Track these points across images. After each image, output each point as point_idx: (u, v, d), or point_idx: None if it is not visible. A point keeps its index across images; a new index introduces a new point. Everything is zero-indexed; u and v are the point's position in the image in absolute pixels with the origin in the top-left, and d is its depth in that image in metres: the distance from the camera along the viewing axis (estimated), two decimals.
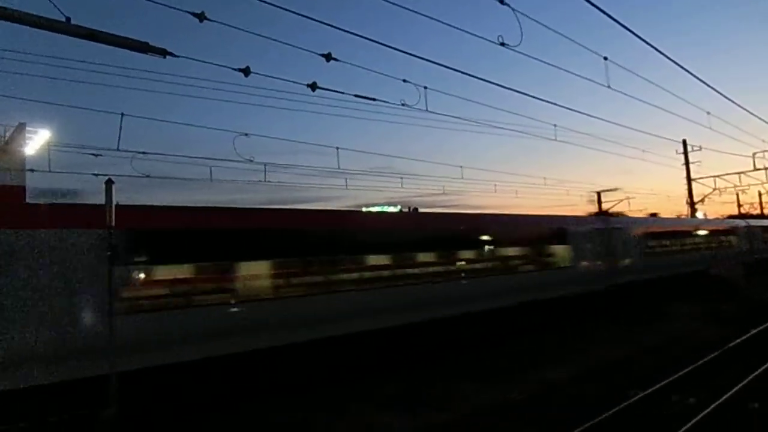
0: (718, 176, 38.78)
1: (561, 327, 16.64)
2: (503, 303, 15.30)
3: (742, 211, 47.77)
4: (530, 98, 15.53)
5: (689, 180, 39.39)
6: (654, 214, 29.64)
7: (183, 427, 9.06)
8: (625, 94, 16.10)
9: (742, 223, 34.48)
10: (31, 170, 21.78)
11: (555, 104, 13.24)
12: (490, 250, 16.56)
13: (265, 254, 11.44)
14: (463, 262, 15.62)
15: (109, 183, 8.05)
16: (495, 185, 31.14)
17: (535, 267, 17.78)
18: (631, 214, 28.00)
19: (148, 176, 16.05)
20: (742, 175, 37.96)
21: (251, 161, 15.56)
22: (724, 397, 9.39)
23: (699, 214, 37.86)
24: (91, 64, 25.59)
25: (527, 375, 11.76)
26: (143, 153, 15.43)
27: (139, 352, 8.97)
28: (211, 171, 19.06)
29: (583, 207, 32.21)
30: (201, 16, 8.39)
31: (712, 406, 8.97)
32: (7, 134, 26.31)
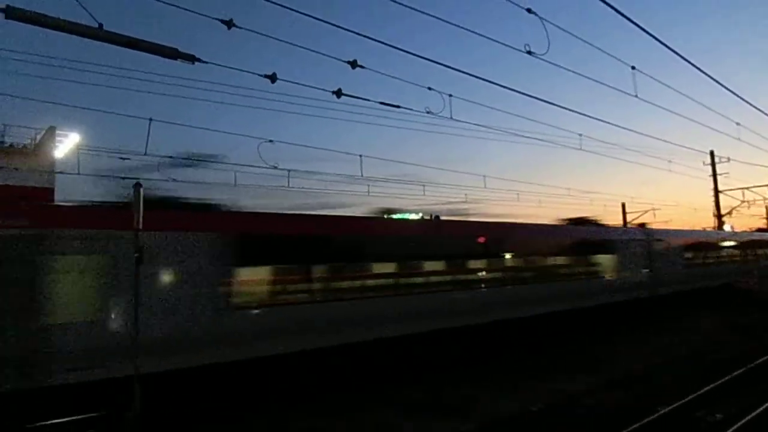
0: (746, 188, 38.05)
1: (601, 333, 17.38)
2: (554, 308, 16.36)
3: None
4: (555, 107, 15.44)
5: (716, 192, 38.68)
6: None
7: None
8: (652, 103, 15.91)
9: None
10: (60, 172, 22.33)
11: (580, 113, 13.15)
12: (550, 258, 17.68)
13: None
14: (525, 269, 16.72)
15: (137, 186, 8.19)
16: (518, 194, 30.94)
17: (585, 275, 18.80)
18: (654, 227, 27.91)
19: (174, 180, 16.33)
20: None
21: (275, 168, 15.72)
22: (755, 413, 9.13)
23: (726, 227, 37.15)
24: (120, 69, 26.14)
25: (554, 383, 11.65)
26: (170, 158, 15.71)
27: (246, 343, 10.05)
28: (235, 176, 19.31)
29: (608, 217, 31.86)
30: (229, 23, 8.52)
31: (741, 422, 8.75)
32: (38, 137, 27.00)
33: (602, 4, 7.71)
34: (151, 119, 13.71)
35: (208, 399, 9.60)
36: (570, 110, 12.50)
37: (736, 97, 13.10)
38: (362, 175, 19.79)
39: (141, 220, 8.12)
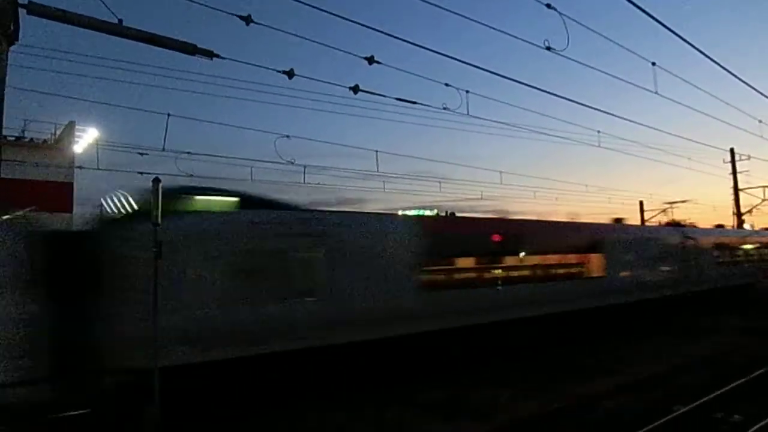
0: (767, 186, 37.45)
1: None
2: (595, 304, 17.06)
3: None
4: (573, 104, 15.31)
5: (736, 190, 38.12)
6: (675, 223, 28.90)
7: None
8: (673, 100, 15.70)
9: None
10: (80, 167, 22.60)
11: (599, 110, 13.01)
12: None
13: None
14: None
15: (156, 181, 8.23)
16: (534, 192, 30.75)
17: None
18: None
19: (191, 175, 16.46)
20: None
21: (292, 163, 15.78)
22: None
23: (746, 226, 36.61)
24: (139, 65, 26.35)
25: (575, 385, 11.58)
26: (188, 153, 15.82)
27: (430, 318, 12.41)
28: (251, 171, 19.44)
29: (623, 216, 31.51)
30: (248, 19, 8.55)
31: (760, 424, 8.63)
32: (58, 132, 27.30)
33: None
34: (169, 114, 13.81)
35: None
36: (588, 107, 12.44)
37: (758, 94, 12.89)
38: (378, 171, 19.79)
39: (159, 215, 8.18)
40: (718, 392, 10.35)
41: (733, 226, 36.71)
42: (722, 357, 14.39)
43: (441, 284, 13.86)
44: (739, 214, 37.77)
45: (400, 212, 19.53)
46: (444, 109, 11.59)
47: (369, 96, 10.48)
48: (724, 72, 10.90)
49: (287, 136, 14.83)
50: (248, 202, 10.64)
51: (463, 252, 14.64)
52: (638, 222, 40.13)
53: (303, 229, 10.93)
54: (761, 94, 13.23)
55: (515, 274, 15.41)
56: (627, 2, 7.57)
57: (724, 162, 38.44)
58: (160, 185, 8.22)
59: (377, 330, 11.44)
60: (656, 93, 12.38)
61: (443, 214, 19.85)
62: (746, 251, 27.95)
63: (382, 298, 11.81)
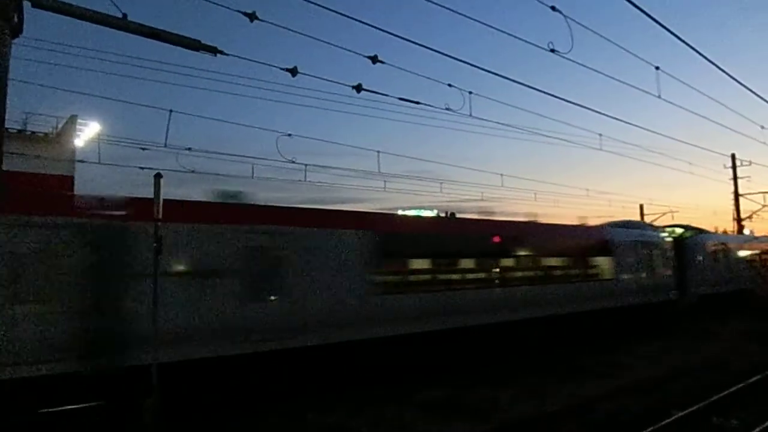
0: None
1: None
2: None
3: None
4: (576, 106, 15.29)
5: (737, 195, 38.06)
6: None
7: None
8: (675, 105, 15.69)
9: None
10: (81, 161, 22.56)
11: (601, 113, 12.95)
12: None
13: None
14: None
15: (157, 177, 8.23)
16: (535, 194, 30.75)
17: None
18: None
19: (193, 171, 16.45)
20: None
21: (293, 162, 15.74)
22: None
23: (746, 232, 36.60)
24: (143, 60, 26.29)
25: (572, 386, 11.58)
26: (189, 149, 15.79)
27: (384, 324, 11.83)
28: (253, 168, 19.42)
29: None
30: (252, 16, 8.53)
31: (757, 429, 8.64)
32: (60, 126, 27.24)
33: (627, 3, 7.60)
34: (171, 110, 13.78)
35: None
36: (591, 110, 12.35)
37: (761, 100, 12.87)
38: (379, 171, 19.75)
39: (161, 209, 8.17)
40: (716, 397, 10.36)
41: (733, 232, 36.76)
42: (723, 362, 14.40)
43: (397, 288, 13.14)
44: (739, 220, 37.75)
45: (399, 212, 19.48)
46: (447, 109, 11.53)
47: (372, 95, 10.43)
48: (728, 77, 10.88)
49: (289, 135, 14.78)
50: None
51: (421, 254, 13.90)
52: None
53: None
54: (764, 100, 13.21)
55: (471, 277, 14.70)
56: (632, 6, 7.56)
57: (725, 167, 38.43)
58: (161, 180, 8.23)
59: (320, 335, 10.96)
60: (659, 97, 12.34)
61: (443, 214, 19.87)
62: (745, 257, 27.95)
63: (328, 302, 11.27)
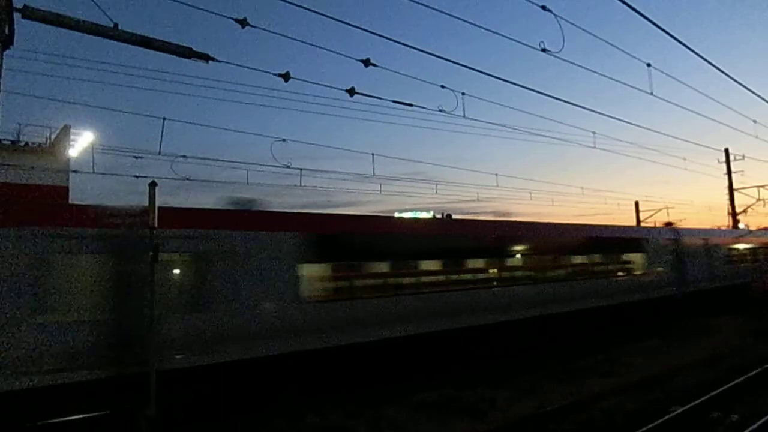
0: (762, 186, 37.63)
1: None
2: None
3: None
4: (569, 105, 15.34)
5: (731, 190, 38.26)
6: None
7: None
8: (668, 101, 15.77)
9: None
10: (75, 171, 22.51)
11: (595, 111, 13.03)
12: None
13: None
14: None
15: (152, 185, 8.22)
16: (530, 193, 30.84)
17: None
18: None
19: (188, 179, 16.45)
20: None
21: (288, 167, 15.75)
22: None
23: (741, 226, 36.76)
24: (135, 68, 26.29)
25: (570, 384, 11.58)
26: (184, 156, 15.80)
27: (319, 333, 10.87)
28: (248, 174, 19.46)
29: (619, 216, 31.70)
30: (243, 22, 8.54)
31: (757, 423, 8.64)
32: (53, 136, 27.20)
33: (618, 1, 7.64)
34: (164, 118, 13.79)
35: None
36: (584, 108, 12.44)
37: (752, 94, 12.96)
38: (374, 174, 19.75)
39: (156, 218, 8.16)
40: (715, 392, 10.36)
41: (728, 226, 36.90)
42: (721, 357, 14.42)
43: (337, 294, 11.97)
44: (734, 214, 37.91)
45: (396, 214, 19.50)
46: (440, 111, 11.57)
47: (365, 98, 10.49)
48: (719, 73, 10.97)
49: (283, 140, 14.80)
50: None
51: (369, 256, 12.78)
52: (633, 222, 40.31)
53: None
54: (755, 94, 13.32)
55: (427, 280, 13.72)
56: (622, 4, 7.60)
57: (719, 162, 38.61)
58: (156, 188, 8.22)
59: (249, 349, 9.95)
60: (651, 94, 12.43)
61: (439, 215, 19.90)
62: (741, 251, 28.03)
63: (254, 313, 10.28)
